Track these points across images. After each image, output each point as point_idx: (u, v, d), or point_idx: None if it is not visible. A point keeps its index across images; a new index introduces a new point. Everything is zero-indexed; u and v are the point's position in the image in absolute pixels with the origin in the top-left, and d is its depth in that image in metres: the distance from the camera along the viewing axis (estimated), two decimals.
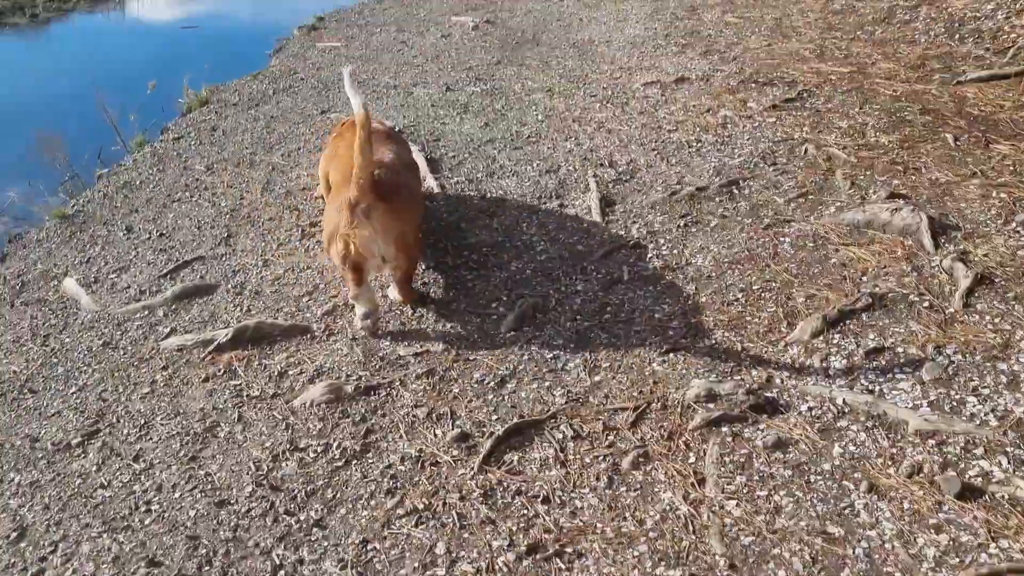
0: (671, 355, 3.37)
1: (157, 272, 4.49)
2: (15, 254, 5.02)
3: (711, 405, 3.06)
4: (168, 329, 3.97)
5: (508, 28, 8.43)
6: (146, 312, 4.14)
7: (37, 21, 13.56)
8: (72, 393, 3.64)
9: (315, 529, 2.76)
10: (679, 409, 3.07)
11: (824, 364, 3.18)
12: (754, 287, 3.70)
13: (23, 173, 6.67)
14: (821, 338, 3.30)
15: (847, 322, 3.36)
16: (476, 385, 3.34)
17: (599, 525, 2.64)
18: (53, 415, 3.53)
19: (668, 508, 2.67)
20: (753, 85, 5.91)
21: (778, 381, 3.14)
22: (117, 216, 5.24)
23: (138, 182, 5.68)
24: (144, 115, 7.39)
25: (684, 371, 3.27)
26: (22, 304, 4.43)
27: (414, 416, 3.21)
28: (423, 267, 4.12)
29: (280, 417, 3.29)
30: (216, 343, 3.73)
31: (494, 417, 3.16)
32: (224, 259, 4.51)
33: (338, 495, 2.90)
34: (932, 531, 2.46)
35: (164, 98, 7.71)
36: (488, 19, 8.81)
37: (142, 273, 4.52)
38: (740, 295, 3.66)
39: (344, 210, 3.35)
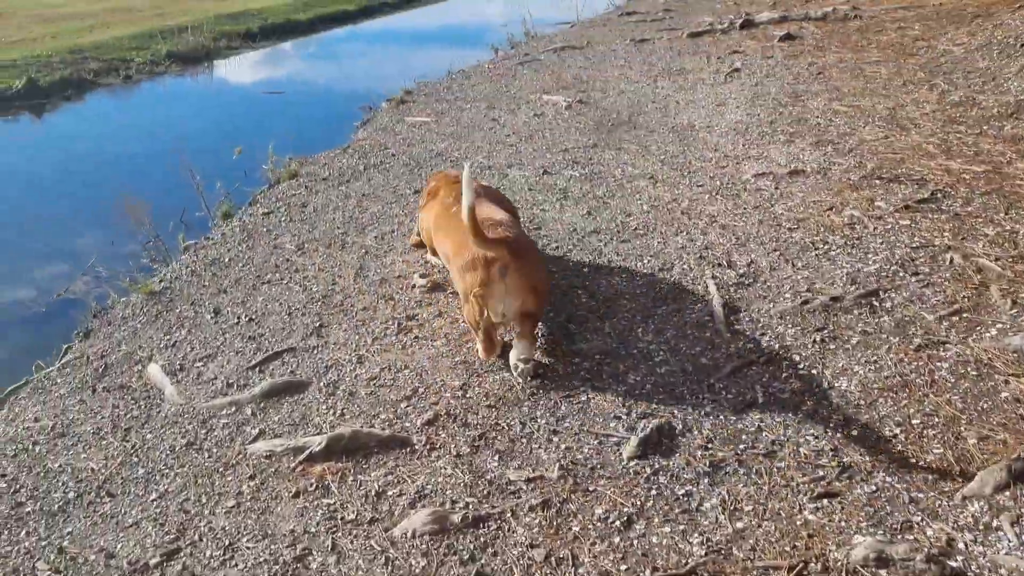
0: (825, 501, 2.92)
1: (246, 363, 4.21)
2: (99, 331, 4.82)
3: (883, 573, 2.59)
4: (256, 431, 3.66)
5: (602, 109, 8.18)
6: (233, 409, 3.84)
7: (130, 82, 13.87)
8: (152, 501, 3.33)
9: None
10: (844, 574, 2.60)
11: (1017, 529, 2.68)
12: (913, 421, 3.24)
13: (107, 235, 6.55)
14: (1008, 493, 2.81)
15: None
16: (599, 524, 2.93)
17: None
18: (131, 526, 3.21)
19: None
20: (877, 182, 5.48)
21: (961, 546, 2.66)
22: (205, 296, 5.01)
23: (227, 259, 5.47)
24: (228, 180, 7.33)
25: (843, 523, 2.81)
26: (104, 390, 4.19)
27: (530, 559, 2.81)
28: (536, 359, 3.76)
29: (379, 548, 2.92)
30: (308, 452, 3.39)
31: (623, 567, 2.73)
32: (316, 352, 4.22)
33: None
34: None
35: (249, 164, 7.63)
36: (580, 99, 8.59)
37: (230, 363, 4.24)
38: (898, 430, 3.20)
39: (480, 269, 3.52)
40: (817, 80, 8.36)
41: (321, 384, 3.94)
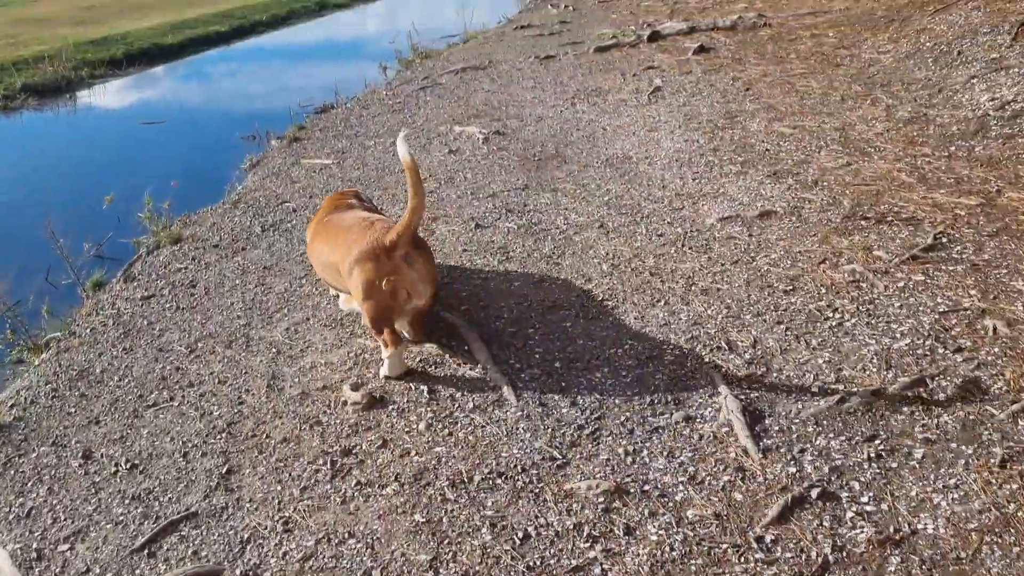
0: None
1: (129, 541, 3.08)
2: None
3: None
4: None
5: (523, 140, 7.27)
6: None
7: None
8: None
9: None
10: None
11: None
12: None
13: None
14: None
15: None
16: None
17: None
18: None
19: None
20: (863, 223, 4.77)
21: None
22: (71, 430, 3.83)
23: (98, 369, 4.28)
24: (98, 231, 6.30)
25: None
26: None
27: None
28: None
29: None
30: None
31: None
32: (226, 517, 3.13)
33: None
34: None
35: (124, 208, 6.59)
36: (497, 129, 7.65)
37: (107, 542, 3.10)
38: None
39: (383, 258, 3.45)
40: (748, 97, 7.69)
41: (237, 573, 2.85)
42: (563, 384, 3.64)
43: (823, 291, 4.11)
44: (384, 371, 3.73)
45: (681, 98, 7.99)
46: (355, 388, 3.73)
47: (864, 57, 8.42)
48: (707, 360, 3.67)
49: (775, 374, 3.53)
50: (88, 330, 4.79)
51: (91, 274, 5.67)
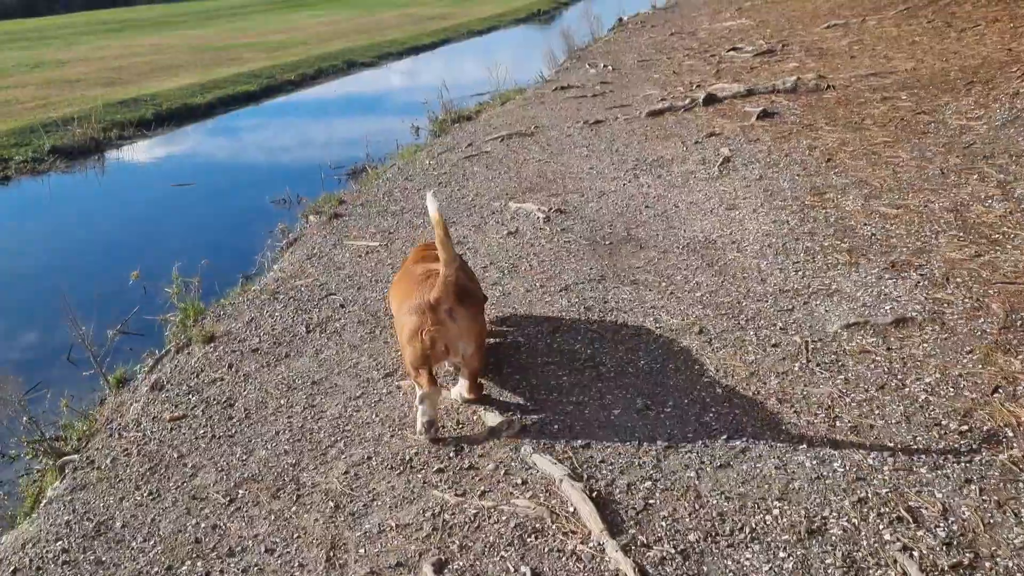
0: None
1: None
2: None
3: None
4: None
5: (588, 220, 6.53)
6: None
7: (7, 183, 11.75)
8: None
9: None
10: None
11: None
12: None
13: None
14: None
15: None
16: None
17: None
18: None
19: None
20: None
21: None
22: None
23: (119, 524, 3.50)
24: (123, 308, 6.03)
25: None
26: None
27: None
28: None
29: None
30: None
31: None
32: None
33: None
34: None
35: (150, 279, 6.15)
36: (557, 206, 6.92)
37: None
38: None
39: (427, 311, 3.52)
40: (831, 170, 6.93)
41: None
42: (704, 570, 2.80)
43: (1010, 434, 3.26)
44: (419, 423, 3.66)
45: (755, 170, 7.24)
46: (438, 569, 2.90)
47: (951, 124, 7.65)
48: (888, 538, 2.82)
49: (986, 563, 2.67)
50: (109, 460, 4.01)
51: (115, 359, 5.18)
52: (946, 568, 2.68)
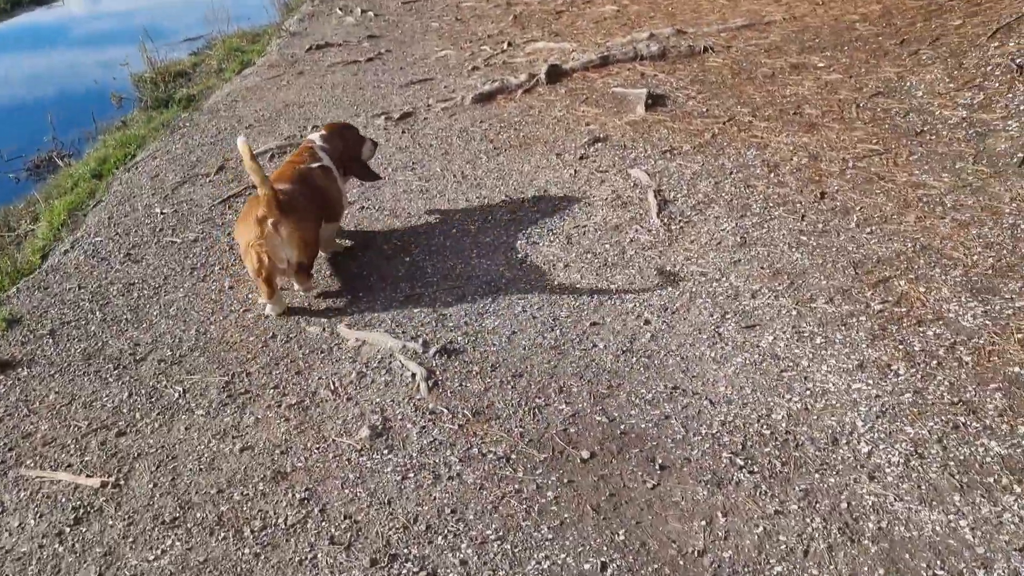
0: None
1: None
2: None
3: None
4: None
5: (521, 410, 3.25)
6: None
7: None
8: None
9: None
10: None
11: None
12: None
13: None
14: None
15: None
16: None
17: None
18: None
19: None
20: None
21: None
22: None
23: None
24: None
25: None
26: None
27: None
28: None
29: None
30: None
31: None
32: None
33: None
34: None
35: None
36: (437, 346, 3.53)
37: None
38: None
39: (253, 227, 3.64)
40: (837, 213, 4.22)
41: None
42: None
43: None
44: (267, 311, 3.97)
45: (724, 225, 4.32)
46: None
47: (948, 117, 5.16)
48: None
49: None
50: None
51: None
52: None
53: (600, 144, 5.58)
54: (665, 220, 4.45)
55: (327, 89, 7.74)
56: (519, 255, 4.31)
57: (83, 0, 18.78)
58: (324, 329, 3.88)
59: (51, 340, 4.05)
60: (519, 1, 10.79)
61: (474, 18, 10.21)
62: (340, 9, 11.81)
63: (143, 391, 3.56)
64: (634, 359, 3.39)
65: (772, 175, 4.79)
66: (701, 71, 6.72)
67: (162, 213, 5.37)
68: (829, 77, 6.14)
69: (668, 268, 4.03)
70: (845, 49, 6.65)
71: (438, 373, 3.43)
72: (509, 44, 8.44)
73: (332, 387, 3.44)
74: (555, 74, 6.94)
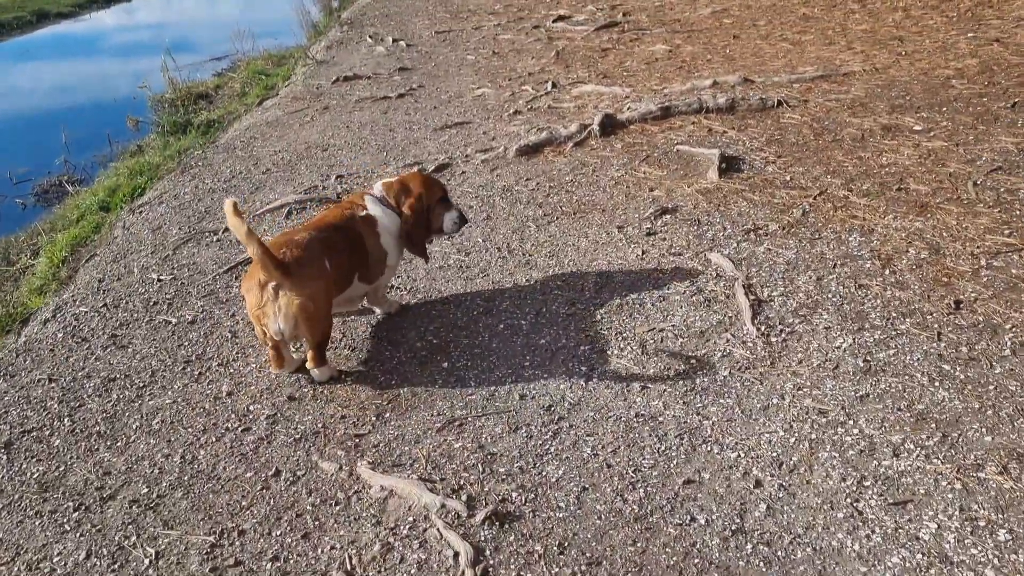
0: None
1: None
2: None
3: None
4: None
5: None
6: None
7: None
8: None
9: None
10: None
11: None
12: None
13: None
14: None
15: None
16: None
17: None
18: None
19: None
20: None
21: None
22: None
23: None
24: None
25: None
26: None
27: None
28: None
29: None
30: None
31: None
32: None
33: None
34: None
35: None
36: (491, 507, 2.66)
37: None
38: None
39: (256, 289, 3.21)
40: (946, 311, 3.34)
41: None
42: None
43: None
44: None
45: (840, 338, 3.49)
46: None
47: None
48: None
49: None
50: None
51: None
52: None
53: (668, 217, 4.74)
54: (763, 328, 3.58)
55: (354, 129, 6.96)
56: (583, 368, 3.46)
57: (109, 13, 18.32)
58: (341, 467, 3.03)
59: (5, 456, 3.24)
60: (560, 35, 10.03)
61: (512, 52, 9.45)
62: (371, 37, 11.09)
63: (105, 550, 2.73)
64: (749, 547, 2.52)
65: (887, 271, 3.92)
66: (777, 129, 5.86)
67: (159, 280, 4.59)
68: (931, 144, 5.27)
69: (776, 401, 3.15)
70: (943, 110, 5.78)
71: (488, 555, 2.56)
72: (553, 85, 7.64)
73: (348, 567, 2.58)
74: (610, 125, 6.11)
